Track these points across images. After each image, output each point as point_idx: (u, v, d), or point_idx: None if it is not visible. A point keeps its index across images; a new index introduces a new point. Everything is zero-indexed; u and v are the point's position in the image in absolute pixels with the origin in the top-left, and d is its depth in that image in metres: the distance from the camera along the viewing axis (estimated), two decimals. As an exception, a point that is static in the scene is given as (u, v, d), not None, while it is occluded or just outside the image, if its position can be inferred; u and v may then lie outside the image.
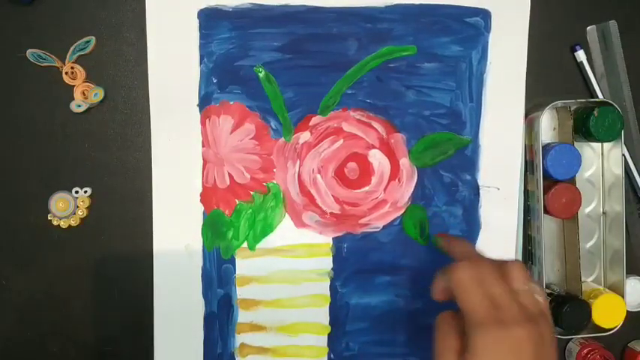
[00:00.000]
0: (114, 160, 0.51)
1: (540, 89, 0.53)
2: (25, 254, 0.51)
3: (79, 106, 0.50)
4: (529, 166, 0.53)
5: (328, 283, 0.53)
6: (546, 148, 0.51)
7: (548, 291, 0.53)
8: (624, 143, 0.52)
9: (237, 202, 0.52)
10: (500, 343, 0.37)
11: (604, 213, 0.55)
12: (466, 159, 0.53)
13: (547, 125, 0.54)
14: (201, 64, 0.51)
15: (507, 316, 0.38)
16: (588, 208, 0.55)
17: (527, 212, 0.54)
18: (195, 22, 0.50)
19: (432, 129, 0.52)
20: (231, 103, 0.51)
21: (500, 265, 0.41)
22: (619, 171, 0.52)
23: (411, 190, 0.53)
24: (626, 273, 0.53)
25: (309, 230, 0.53)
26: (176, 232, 0.51)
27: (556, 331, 0.52)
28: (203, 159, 0.51)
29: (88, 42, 0.50)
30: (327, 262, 0.53)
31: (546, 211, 0.51)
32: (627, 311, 0.52)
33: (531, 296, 0.39)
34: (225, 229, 0.52)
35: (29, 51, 0.50)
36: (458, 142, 0.53)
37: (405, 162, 0.52)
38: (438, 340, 0.41)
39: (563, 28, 0.54)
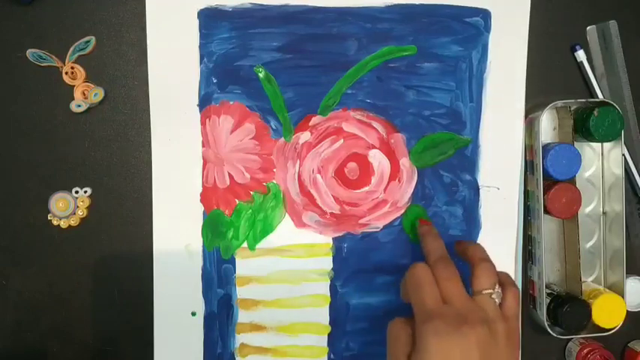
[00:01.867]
0: (114, 160, 0.51)
1: (540, 89, 0.53)
2: (25, 254, 0.51)
3: (79, 106, 0.50)
4: (529, 166, 0.53)
5: (328, 283, 0.53)
6: (546, 148, 0.51)
7: (548, 291, 0.53)
8: (624, 143, 0.52)
9: (237, 202, 0.52)
10: (447, 339, 0.37)
11: (604, 213, 0.55)
12: (466, 159, 0.53)
13: (547, 125, 0.54)
14: (201, 64, 0.51)
15: (457, 314, 0.38)
16: (588, 208, 0.55)
17: (527, 212, 0.54)
18: (195, 22, 0.50)
19: (432, 129, 0.52)
20: (231, 103, 0.51)
21: (470, 266, 0.43)
22: (619, 171, 0.52)
23: (411, 190, 0.53)
24: (626, 273, 0.52)
25: (309, 230, 0.52)
26: (176, 232, 0.51)
27: (556, 331, 0.52)
28: (203, 159, 0.51)
29: (88, 42, 0.50)
30: (327, 262, 0.53)
31: (546, 211, 0.51)
32: (627, 311, 0.52)
33: (488, 299, 0.41)
34: (225, 229, 0.52)
35: (29, 51, 0.50)
36: (458, 142, 0.53)
37: (405, 162, 0.52)
38: (389, 346, 0.41)
39: (563, 28, 0.54)
